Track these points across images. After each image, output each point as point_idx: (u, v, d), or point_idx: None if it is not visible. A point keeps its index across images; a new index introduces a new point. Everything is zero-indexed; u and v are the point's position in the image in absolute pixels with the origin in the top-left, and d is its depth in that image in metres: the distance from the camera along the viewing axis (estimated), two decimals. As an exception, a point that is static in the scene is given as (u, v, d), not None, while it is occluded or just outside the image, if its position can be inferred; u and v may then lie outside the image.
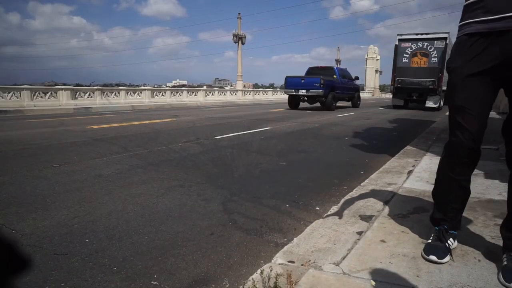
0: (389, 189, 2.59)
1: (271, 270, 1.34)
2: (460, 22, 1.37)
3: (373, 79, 68.78)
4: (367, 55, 69.81)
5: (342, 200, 2.38)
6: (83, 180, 3.13)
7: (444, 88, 13.36)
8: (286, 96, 15.32)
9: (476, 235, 1.72)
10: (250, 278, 1.36)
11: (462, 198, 1.55)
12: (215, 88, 31.05)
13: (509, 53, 1.22)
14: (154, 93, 20.78)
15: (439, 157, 1.61)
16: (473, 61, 1.30)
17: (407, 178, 2.90)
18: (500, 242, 1.61)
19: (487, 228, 1.81)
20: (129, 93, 19.31)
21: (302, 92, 13.90)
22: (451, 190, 1.52)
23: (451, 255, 1.48)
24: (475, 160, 1.45)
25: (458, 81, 1.36)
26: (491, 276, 1.34)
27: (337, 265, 1.44)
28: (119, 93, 18.71)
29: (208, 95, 25.06)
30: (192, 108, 17.25)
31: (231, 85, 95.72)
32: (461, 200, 1.56)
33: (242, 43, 33.78)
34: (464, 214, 1.83)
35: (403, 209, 2.14)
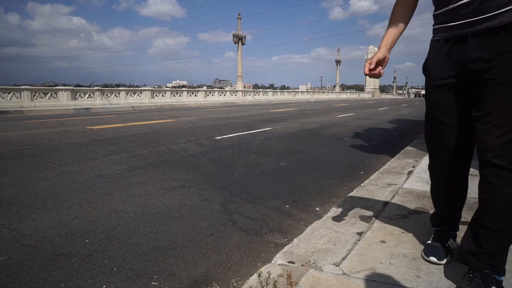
0: (389, 189, 2.59)
1: (269, 275, 1.34)
2: (433, 26, 1.41)
3: (373, 80, 68.81)
4: (367, 56, 69.86)
5: (342, 201, 2.38)
6: (83, 181, 3.13)
7: None
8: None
9: (476, 236, 1.72)
10: (250, 278, 1.36)
11: (460, 198, 1.52)
12: (215, 89, 31.08)
13: (467, 60, 1.23)
14: (154, 94, 20.80)
15: None
16: (441, 66, 1.32)
17: (407, 179, 2.90)
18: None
19: (487, 229, 1.80)
20: (129, 93, 19.33)
21: None
22: (446, 190, 1.49)
23: (452, 256, 1.47)
24: (462, 160, 1.40)
25: (430, 85, 1.38)
26: (491, 277, 1.34)
27: (337, 266, 1.44)
28: (119, 93, 18.73)
29: (208, 95, 25.08)
30: (192, 108, 17.26)
31: (231, 86, 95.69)
32: (459, 200, 1.53)
33: (242, 44, 33.80)
34: (464, 214, 1.83)
35: (403, 209, 2.14)
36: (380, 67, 1.42)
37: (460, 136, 1.33)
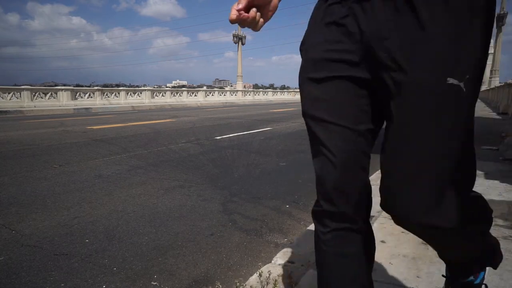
0: (389, 189, 2.59)
1: (269, 275, 1.34)
2: None
3: (373, 80, 68.89)
4: (367, 56, 70.00)
5: (342, 201, 2.38)
6: (83, 181, 3.13)
7: None
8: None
9: (476, 236, 1.72)
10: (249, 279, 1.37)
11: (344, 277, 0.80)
12: (215, 89, 31.11)
13: (371, 34, 0.65)
14: (154, 94, 20.81)
15: None
16: (327, 42, 0.73)
17: (407, 179, 2.90)
18: (502, 244, 1.61)
19: (487, 229, 1.80)
20: (129, 93, 19.34)
21: None
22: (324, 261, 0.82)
23: None
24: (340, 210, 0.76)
25: (305, 74, 0.78)
26: (491, 277, 1.34)
27: (337, 266, 1.44)
28: (119, 93, 18.74)
29: (208, 95, 25.10)
30: (192, 108, 17.26)
31: (231, 86, 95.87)
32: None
33: (242, 44, 33.85)
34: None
35: (403, 209, 2.13)
36: (255, 10, 0.69)
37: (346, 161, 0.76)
